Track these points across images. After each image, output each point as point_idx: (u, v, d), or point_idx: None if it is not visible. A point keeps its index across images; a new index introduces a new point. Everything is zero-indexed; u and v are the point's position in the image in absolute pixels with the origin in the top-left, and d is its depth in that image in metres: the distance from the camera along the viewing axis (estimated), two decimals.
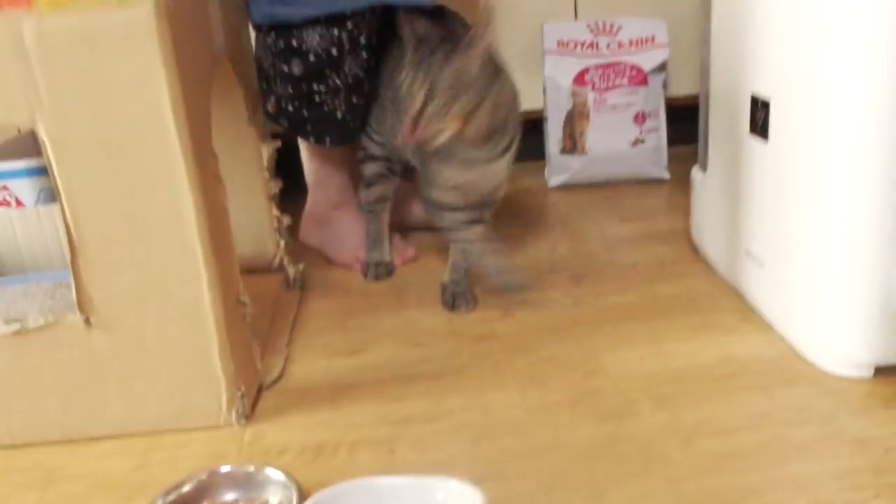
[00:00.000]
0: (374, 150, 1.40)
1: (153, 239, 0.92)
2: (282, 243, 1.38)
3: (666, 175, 1.83)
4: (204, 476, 0.86)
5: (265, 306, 1.31)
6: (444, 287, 1.30)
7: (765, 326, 1.15)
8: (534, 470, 0.88)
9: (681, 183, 1.59)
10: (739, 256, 1.21)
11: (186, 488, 0.85)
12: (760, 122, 1.07)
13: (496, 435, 0.95)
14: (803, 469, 0.85)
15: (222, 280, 0.96)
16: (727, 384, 1.02)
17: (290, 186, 1.45)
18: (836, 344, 1.01)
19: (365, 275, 1.41)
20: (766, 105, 1.06)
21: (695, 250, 1.43)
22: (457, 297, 1.27)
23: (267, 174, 1.35)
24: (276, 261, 1.40)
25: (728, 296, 1.24)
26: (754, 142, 1.10)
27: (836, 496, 0.81)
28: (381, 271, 1.41)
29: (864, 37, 0.89)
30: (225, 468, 0.88)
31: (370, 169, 1.41)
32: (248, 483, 0.87)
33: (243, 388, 1.01)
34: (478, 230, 1.24)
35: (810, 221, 1.01)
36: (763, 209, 1.12)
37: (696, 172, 1.40)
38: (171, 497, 0.84)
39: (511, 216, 1.67)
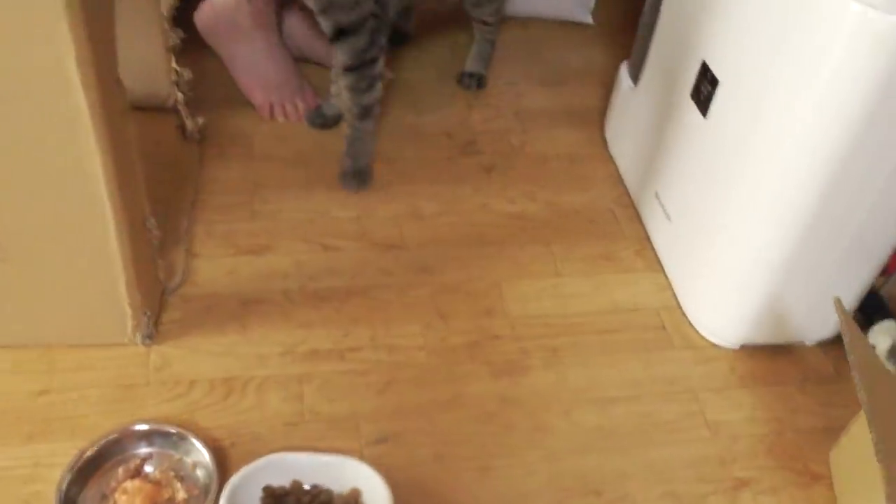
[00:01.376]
0: None
1: (55, 178, 0.84)
2: (180, 97, 1.27)
3: (589, 20, 1.75)
4: (115, 434, 0.89)
5: (163, 160, 1.25)
6: (341, 163, 1.29)
7: (656, 265, 1.22)
8: (431, 433, 0.97)
9: (605, 36, 1.55)
10: (648, 193, 1.24)
11: (99, 445, 0.88)
12: (704, 96, 1.05)
13: (399, 384, 1.01)
14: (663, 454, 0.98)
15: (128, 218, 0.90)
16: (612, 340, 1.11)
17: (191, 40, 1.29)
18: (715, 316, 1.11)
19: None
20: (714, 82, 1.02)
21: (605, 143, 1.44)
22: (346, 178, 1.28)
23: (166, 23, 1.19)
24: (170, 102, 1.30)
25: (629, 219, 1.29)
26: (692, 107, 1.08)
27: (683, 487, 0.95)
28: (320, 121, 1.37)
29: (811, 42, 0.86)
30: (140, 426, 0.90)
31: None
32: (162, 439, 0.90)
33: (149, 313, 1.00)
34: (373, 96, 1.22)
35: (727, 203, 1.04)
36: (683, 171, 1.13)
37: (624, 73, 1.37)
38: (83, 459, 0.86)
39: (427, 55, 1.59)
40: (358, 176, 1.28)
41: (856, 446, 0.94)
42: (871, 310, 1.12)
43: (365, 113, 1.24)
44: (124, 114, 0.88)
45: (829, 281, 1.04)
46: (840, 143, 0.89)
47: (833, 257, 1.01)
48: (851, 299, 1.08)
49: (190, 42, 1.27)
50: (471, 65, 1.54)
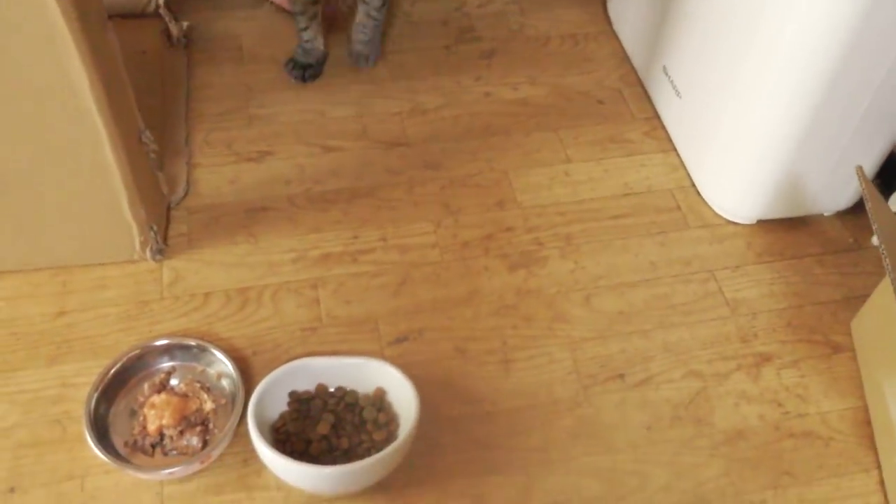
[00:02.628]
0: None
1: (42, 99, 0.80)
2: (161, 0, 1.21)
3: None
4: (137, 350, 0.88)
5: (151, 69, 1.20)
6: (354, 49, 1.27)
7: (667, 145, 1.19)
8: (450, 328, 0.97)
9: None
10: (656, 67, 1.20)
11: (122, 362, 0.88)
12: None
13: (414, 282, 1.01)
14: (682, 335, 0.98)
15: (122, 133, 0.87)
16: (626, 224, 1.09)
17: None
18: (730, 193, 1.09)
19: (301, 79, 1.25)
20: None
21: (609, 21, 1.38)
22: (361, 58, 1.27)
23: None
24: (152, 7, 1.24)
25: (637, 99, 1.25)
26: None
27: (706, 367, 0.95)
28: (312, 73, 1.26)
29: None
30: (161, 341, 0.90)
31: None
32: (183, 352, 0.90)
33: (155, 227, 0.98)
34: None
35: (740, 73, 1.00)
36: (692, 43, 1.08)
37: None
38: (109, 375, 0.86)
39: None
40: (373, 51, 1.28)
41: (878, 314, 0.94)
42: (890, 177, 1.09)
43: (385, 1, 1.24)
44: (103, 23, 0.84)
45: (847, 149, 1.01)
46: (856, 5, 0.84)
47: (851, 125, 0.98)
48: (870, 166, 1.06)
49: None
50: None
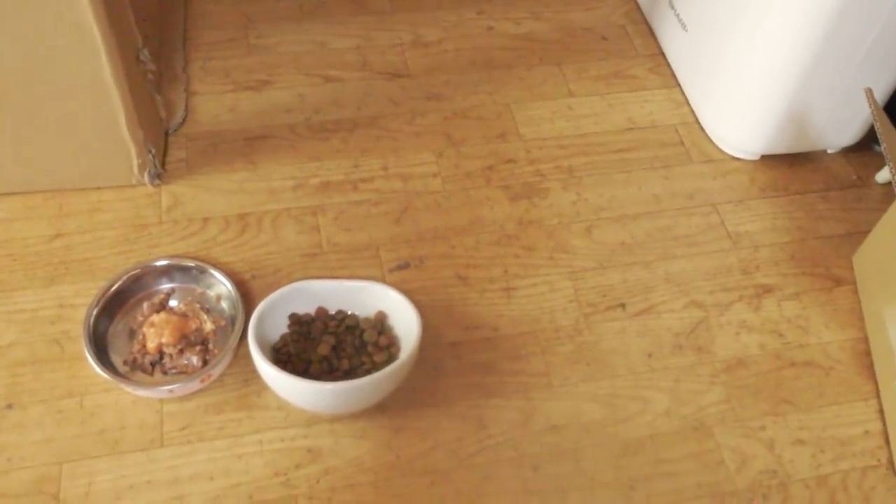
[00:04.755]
0: None
1: (39, 10, 0.78)
2: None
3: None
4: (136, 270, 0.88)
5: None
6: None
7: (671, 81, 1.18)
8: (451, 256, 0.96)
9: None
10: (662, 2, 1.18)
11: (121, 281, 0.87)
12: None
13: (416, 211, 1.00)
14: (684, 266, 0.97)
15: (121, 50, 0.85)
16: (629, 158, 1.08)
17: None
18: (734, 128, 1.08)
19: None
20: None
21: None
22: None
23: None
24: None
25: (642, 35, 1.24)
26: None
27: (707, 297, 0.95)
28: None
29: None
30: (160, 262, 0.89)
31: None
32: (183, 274, 0.89)
33: (153, 150, 0.96)
34: None
35: (747, 7, 0.98)
36: None
37: None
38: (108, 294, 0.86)
39: None
40: None
41: (880, 247, 0.93)
42: None
43: None
44: None
45: (852, 85, 1.00)
46: None
47: (856, 60, 0.97)
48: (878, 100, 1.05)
49: None
50: None
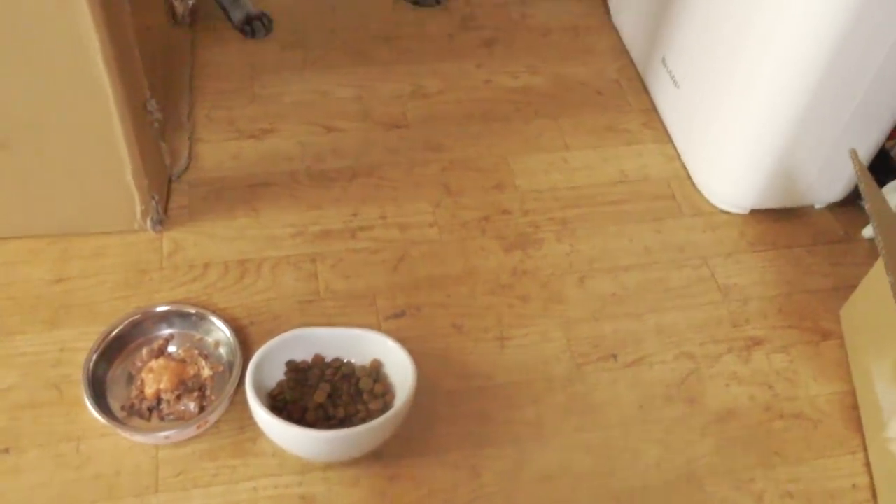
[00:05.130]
0: None
1: (53, 58, 0.81)
2: None
3: None
4: (137, 316, 0.89)
5: (155, 47, 1.21)
6: None
7: (664, 136, 1.21)
8: (447, 305, 0.98)
9: None
10: (654, 60, 1.22)
11: (122, 326, 0.88)
12: None
13: (413, 259, 1.02)
14: (675, 318, 0.99)
15: (129, 99, 0.88)
16: (622, 210, 1.10)
17: None
18: (724, 182, 1.10)
19: (252, 36, 1.28)
20: None
21: (607, 13, 1.40)
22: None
23: None
24: None
25: (635, 90, 1.27)
26: None
27: (697, 349, 0.97)
28: (265, 23, 1.28)
29: None
30: (160, 307, 0.91)
31: None
32: (182, 320, 0.91)
33: (157, 197, 0.99)
34: None
35: (737, 65, 1.02)
36: (691, 34, 1.10)
37: None
38: (108, 339, 0.87)
39: None
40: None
41: (867, 302, 0.95)
42: (882, 172, 1.11)
43: None
44: None
45: (839, 143, 1.03)
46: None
47: (842, 119, 1.00)
48: (862, 160, 1.07)
49: None
50: None
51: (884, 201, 0.85)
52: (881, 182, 1.10)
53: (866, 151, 1.07)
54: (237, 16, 1.28)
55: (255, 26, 1.28)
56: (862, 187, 0.80)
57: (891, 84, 0.97)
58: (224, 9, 1.28)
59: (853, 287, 1.00)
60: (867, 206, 0.80)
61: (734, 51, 1.01)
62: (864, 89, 0.97)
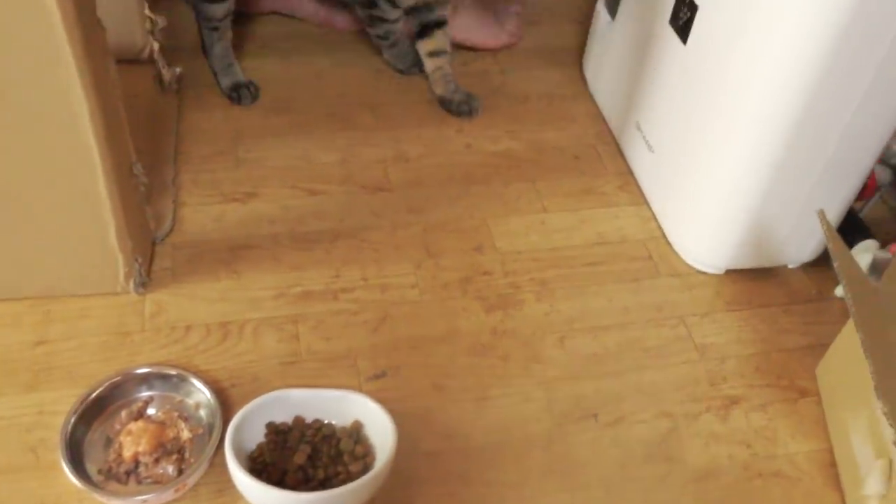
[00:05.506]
0: None
1: (41, 121, 0.83)
2: (156, 45, 1.25)
3: None
4: (116, 378, 0.89)
5: (142, 112, 1.23)
6: (444, 100, 1.36)
7: (639, 198, 1.24)
8: (428, 366, 0.98)
9: None
10: (629, 125, 1.25)
11: (101, 389, 0.88)
12: (683, 22, 1.05)
13: (394, 320, 1.03)
14: (654, 377, 1.00)
15: (116, 164, 0.89)
16: (600, 271, 1.12)
17: None
18: (699, 243, 1.13)
19: (238, 102, 1.31)
20: (693, 7, 1.03)
21: (584, 81, 1.44)
22: (461, 104, 1.35)
23: None
24: (146, 53, 1.28)
25: (611, 154, 1.31)
26: (671, 34, 1.09)
27: (676, 408, 0.97)
28: (252, 91, 1.32)
29: None
30: (140, 369, 0.91)
31: None
32: (163, 382, 0.91)
33: (140, 260, 1.00)
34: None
35: (707, 129, 1.05)
36: (664, 100, 1.14)
37: (602, 7, 1.37)
38: (87, 401, 0.87)
39: None
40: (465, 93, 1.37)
41: (840, 360, 0.97)
42: (851, 232, 1.14)
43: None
44: (106, 53, 0.87)
45: (809, 204, 1.06)
46: (815, 63, 0.90)
47: (811, 180, 1.03)
48: (831, 220, 1.10)
49: None
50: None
51: (853, 261, 0.87)
52: (852, 242, 1.12)
53: (836, 211, 1.10)
54: (225, 82, 1.31)
55: (241, 93, 1.31)
56: (830, 247, 0.83)
57: (858, 143, 1.01)
58: (215, 74, 1.31)
59: (828, 345, 1.01)
60: (836, 265, 0.82)
61: (704, 116, 1.05)
62: (832, 148, 1.00)
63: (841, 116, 0.96)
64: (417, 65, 1.39)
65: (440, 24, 1.35)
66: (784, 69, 0.93)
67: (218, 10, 1.25)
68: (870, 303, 0.86)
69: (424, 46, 1.37)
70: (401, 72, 1.41)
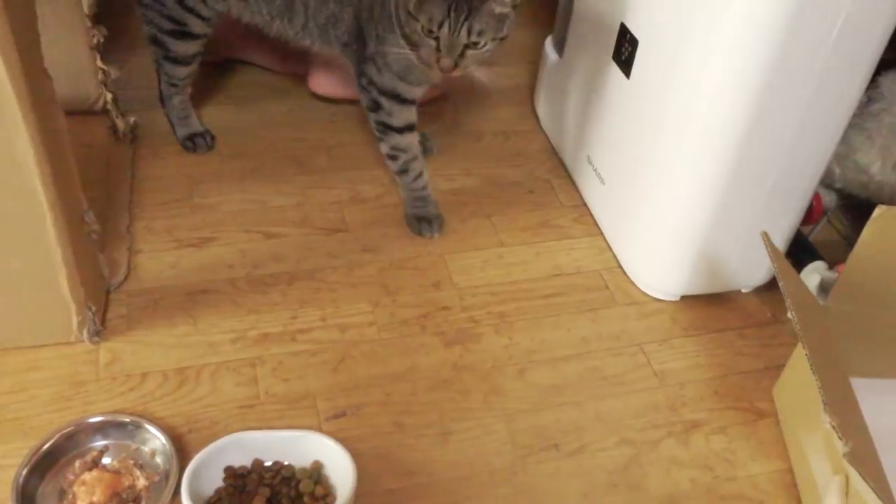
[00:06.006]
0: (197, 27, 1.20)
1: None
2: (109, 96, 1.26)
3: None
4: (70, 428, 0.87)
5: (96, 162, 1.24)
6: (407, 215, 1.23)
7: (594, 230, 1.25)
8: (388, 403, 0.98)
9: (527, 15, 1.57)
10: (581, 159, 1.28)
11: (54, 440, 0.86)
12: (625, 57, 1.08)
13: (353, 359, 1.02)
14: (614, 405, 1.01)
15: (66, 212, 0.89)
16: (558, 302, 1.13)
17: (116, 37, 1.28)
18: (653, 272, 1.15)
19: (194, 151, 1.31)
20: (634, 42, 1.06)
21: (536, 118, 1.47)
22: (421, 221, 1.21)
23: (88, 21, 1.18)
24: (100, 104, 1.28)
25: (565, 188, 1.33)
26: (615, 69, 1.12)
27: (637, 434, 0.98)
28: (207, 141, 1.32)
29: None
30: (94, 419, 0.89)
31: (187, 49, 1.22)
32: (118, 430, 0.89)
33: (94, 308, 0.99)
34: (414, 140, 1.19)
35: (654, 159, 1.08)
36: (612, 133, 1.17)
37: (549, 47, 1.40)
38: (38, 454, 0.85)
39: None
40: (424, 221, 1.21)
41: (795, 380, 0.98)
42: (800, 255, 1.17)
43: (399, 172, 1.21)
44: (52, 102, 0.87)
45: (756, 229, 1.05)
46: (753, 90, 0.93)
47: (757, 205, 1.06)
48: (779, 245, 1.13)
49: (114, 40, 1.25)
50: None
51: (799, 281, 0.89)
52: (801, 265, 1.15)
53: (783, 235, 1.12)
54: (182, 132, 1.31)
55: (197, 142, 1.31)
56: (774, 267, 0.85)
57: (799, 169, 1.04)
58: (172, 124, 1.31)
59: (783, 366, 1.03)
60: (781, 284, 0.83)
61: (650, 149, 1.07)
62: (775, 174, 1.02)
63: (781, 142, 0.99)
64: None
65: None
66: (722, 99, 0.95)
67: (182, 72, 1.25)
68: (815, 319, 0.88)
69: None
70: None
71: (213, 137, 1.33)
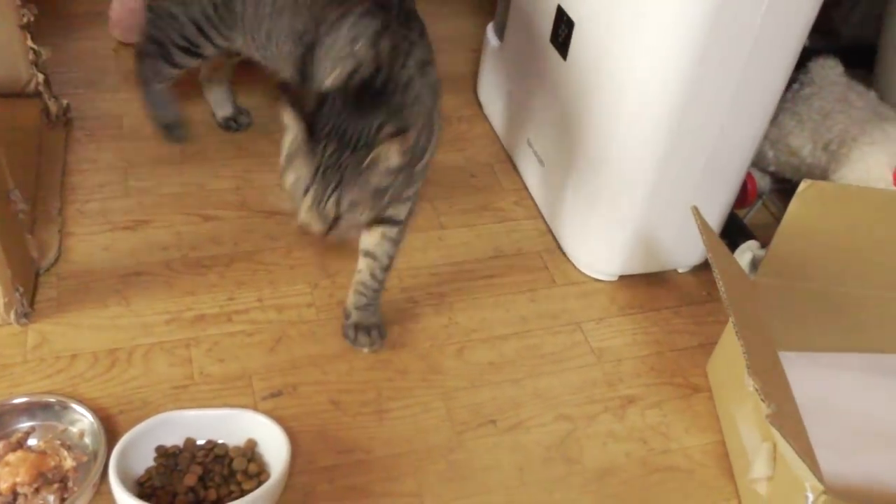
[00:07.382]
0: (208, 51, 1.15)
1: None
2: (41, 77, 1.23)
3: None
4: None
5: (27, 146, 1.20)
6: (346, 314, 1.03)
7: (534, 212, 1.26)
8: (325, 382, 0.97)
9: (470, 3, 1.58)
10: (521, 142, 1.29)
11: None
12: (562, 39, 1.09)
13: (290, 340, 1.01)
14: (551, 382, 1.01)
15: None
16: (498, 283, 1.14)
17: (48, 16, 1.25)
18: (591, 252, 1.16)
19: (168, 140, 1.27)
20: (570, 24, 1.07)
21: (479, 104, 1.47)
22: (359, 331, 1.01)
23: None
24: (32, 86, 1.25)
25: (507, 172, 1.33)
26: (552, 52, 1.13)
27: (574, 410, 0.99)
28: (183, 133, 1.28)
29: None
30: (18, 399, 0.87)
31: (190, 62, 1.18)
32: (44, 412, 0.87)
33: (21, 289, 0.96)
34: None
35: (592, 140, 1.09)
36: (550, 115, 1.18)
37: (490, 33, 1.41)
38: None
39: None
40: (376, 321, 1.03)
41: (727, 355, 1.00)
42: (735, 235, 1.19)
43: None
44: None
45: (690, 207, 1.10)
46: (683, 71, 0.95)
47: (690, 185, 1.07)
48: (714, 225, 1.15)
49: (46, 19, 1.22)
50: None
51: (728, 255, 0.91)
52: (735, 244, 1.17)
53: (717, 215, 1.14)
54: (160, 120, 1.25)
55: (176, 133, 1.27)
56: (704, 240, 0.86)
57: (731, 147, 1.06)
58: (149, 109, 1.25)
59: (716, 343, 1.05)
60: (709, 256, 0.85)
61: (585, 126, 1.09)
62: (707, 154, 1.04)
63: (711, 122, 1.01)
64: None
65: (386, 222, 0.98)
66: (653, 79, 0.97)
67: (174, 73, 1.20)
68: (744, 293, 0.90)
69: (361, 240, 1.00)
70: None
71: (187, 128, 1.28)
